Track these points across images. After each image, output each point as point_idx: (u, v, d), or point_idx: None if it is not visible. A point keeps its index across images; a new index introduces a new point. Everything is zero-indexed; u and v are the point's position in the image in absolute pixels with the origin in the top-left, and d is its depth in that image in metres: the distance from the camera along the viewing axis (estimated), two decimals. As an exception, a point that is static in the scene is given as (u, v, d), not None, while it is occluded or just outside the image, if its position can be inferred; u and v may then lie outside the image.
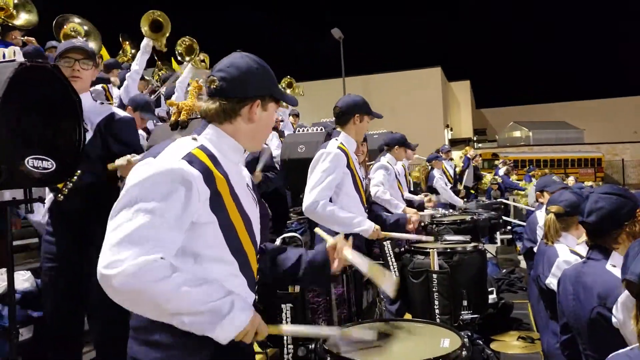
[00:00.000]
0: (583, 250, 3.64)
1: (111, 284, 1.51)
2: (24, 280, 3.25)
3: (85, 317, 3.17)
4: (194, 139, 1.83)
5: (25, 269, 3.44)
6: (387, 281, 2.01)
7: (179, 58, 8.59)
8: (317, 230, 2.49)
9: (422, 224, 5.22)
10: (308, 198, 3.64)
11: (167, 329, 1.67)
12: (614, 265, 2.44)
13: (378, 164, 6.09)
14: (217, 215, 1.73)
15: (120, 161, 2.97)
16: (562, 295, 2.74)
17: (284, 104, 10.92)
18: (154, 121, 6.15)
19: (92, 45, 7.11)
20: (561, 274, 2.83)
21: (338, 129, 3.94)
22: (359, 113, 3.84)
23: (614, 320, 2.27)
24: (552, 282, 3.25)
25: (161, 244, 1.57)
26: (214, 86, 1.84)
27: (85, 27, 7.33)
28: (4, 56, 2.80)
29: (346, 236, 2.15)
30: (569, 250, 3.32)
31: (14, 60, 2.69)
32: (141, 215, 1.57)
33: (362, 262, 2.06)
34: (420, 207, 5.73)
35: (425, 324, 2.32)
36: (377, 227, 3.76)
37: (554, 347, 3.32)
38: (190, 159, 1.70)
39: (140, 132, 5.51)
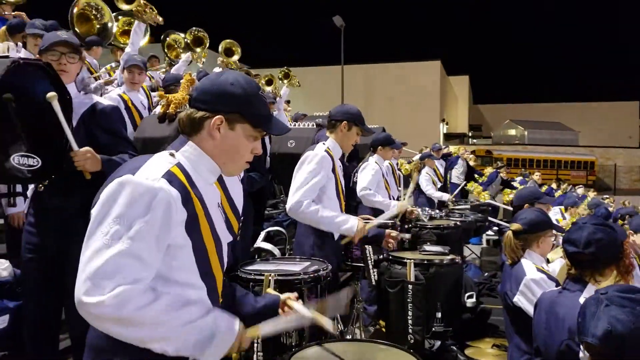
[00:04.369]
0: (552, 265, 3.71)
1: (91, 313, 1.50)
2: (2, 269, 3.26)
3: (62, 307, 3.20)
4: (172, 154, 1.78)
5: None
6: (327, 324, 2.00)
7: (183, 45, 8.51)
8: (269, 290, 2.51)
9: (404, 239, 5.23)
10: (292, 198, 3.69)
11: (126, 352, 1.63)
12: None
13: (364, 164, 6.13)
14: (191, 238, 1.69)
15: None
16: (535, 321, 2.78)
17: (281, 93, 10.91)
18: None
19: (109, 23, 6.98)
20: (538, 298, 2.87)
21: (327, 134, 4.00)
22: (348, 121, 3.88)
23: (581, 355, 2.32)
24: (519, 299, 3.28)
25: (141, 270, 1.55)
26: (189, 96, 1.84)
27: (110, 24, 7.18)
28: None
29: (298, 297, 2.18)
30: (536, 268, 3.36)
31: (7, 57, 2.70)
32: (119, 240, 1.53)
33: (308, 312, 2.04)
34: (403, 216, 5.77)
35: (388, 347, 2.33)
36: (362, 222, 3.77)
37: None
38: (170, 178, 1.65)
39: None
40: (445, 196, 9.47)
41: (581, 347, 2.31)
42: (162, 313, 1.55)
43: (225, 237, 1.92)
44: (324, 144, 3.92)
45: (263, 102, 1.86)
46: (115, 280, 1.50)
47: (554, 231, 3.70)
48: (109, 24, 6.97)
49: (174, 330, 1.58)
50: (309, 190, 3.69)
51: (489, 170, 15.70)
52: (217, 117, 1.76)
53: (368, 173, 5.94)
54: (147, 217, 1.56)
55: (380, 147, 6.28)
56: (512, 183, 15.77)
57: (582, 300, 2.48)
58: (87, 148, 2.90)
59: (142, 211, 1.56)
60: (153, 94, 6.28)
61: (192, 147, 1.80)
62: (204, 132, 1.78)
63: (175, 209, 1.62)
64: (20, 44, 5.02)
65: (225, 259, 1.94)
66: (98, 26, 7.00)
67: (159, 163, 1.70)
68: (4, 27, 5.69)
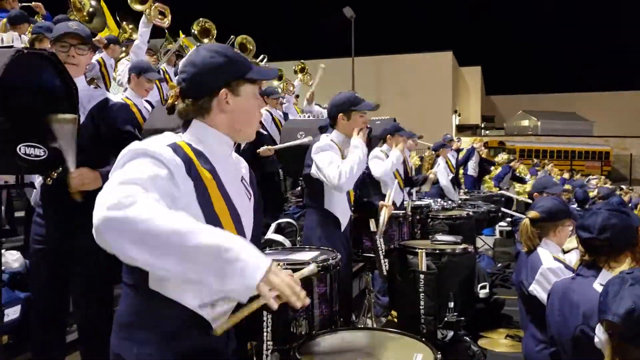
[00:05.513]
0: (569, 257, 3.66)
1: (97, 230, 1.43)
2: (13, 260, 3.28)
3: (70, 299, 3.20)
4: (178, 134, 1.85)
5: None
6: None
7: (193, 39, 8.57)
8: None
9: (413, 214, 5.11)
10: (331, 174, 3.57)
11: (144, 326, 1.72)
12: (601, 284, 2.45)
13: (371, 154, 6.00)
14: (202, 208, 1.73)
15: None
16: (549, 309, 2.77)
17: (292, 87, 10.89)
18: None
19: (96, 21, 7.02)
20: (551, 287, 2.84)
21: (330, 129, 3.93)
22: (342, 112, 3.80)
23: (596, 340, 2.28)
24: (535, 288, 3.24)
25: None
26: (179, 89, 1.85)
27: (93, 2, 7.23)
28: (2, 41, 2.79)
29: None
30: (552, 257, 3.31)
31: (12, 46, 2.70)
32: (128, 185, 1.51)
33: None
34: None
35: (400, 335, 2.31)
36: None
37: (533, 351, 3.34)
38: (175, 147, 1.72)
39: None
40: (455, 196, 9.25)
41: (597, 331, 2.28)
42: (176, 219, 1.45)
43: (247, 210, 1.95)
44: (327, 135, 3.86)
45: (243, 57, 1.93)
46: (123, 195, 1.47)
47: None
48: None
49: (191, 246, 1.43)
50: (336, 162, 3.61)
51: (502, 158, 15.58)
52: (222, 91, 1.82)
53: (376, 161, 5.89)
54: (153, 174, 1.59)
55: (389, 135, 6.21)
56: (524, 177, 15.65)
57: (596, 285, 2.46)
58: (84, 170, 2.84)
59: (148, 169, 1.61)
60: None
61: (196, 125, 1.86)
62: (213, 111, 1.84)
63: (177, 174, 1.67)
64: (25, 35, 5.07)
65: (248, 232, 1.93)
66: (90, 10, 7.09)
67: (165, 137, 1.78)
68: (4, 19, 5.64)
